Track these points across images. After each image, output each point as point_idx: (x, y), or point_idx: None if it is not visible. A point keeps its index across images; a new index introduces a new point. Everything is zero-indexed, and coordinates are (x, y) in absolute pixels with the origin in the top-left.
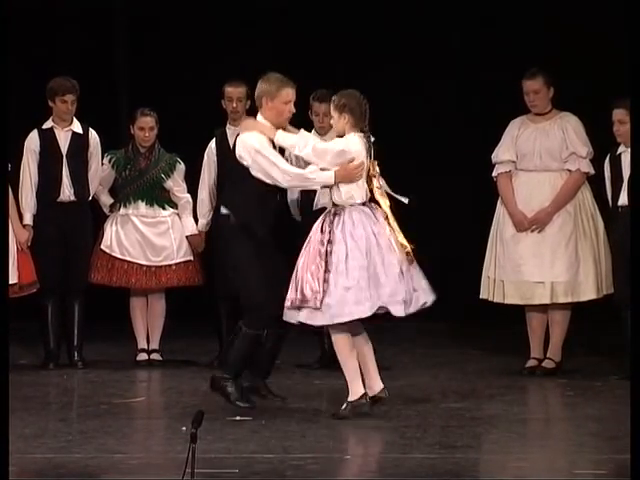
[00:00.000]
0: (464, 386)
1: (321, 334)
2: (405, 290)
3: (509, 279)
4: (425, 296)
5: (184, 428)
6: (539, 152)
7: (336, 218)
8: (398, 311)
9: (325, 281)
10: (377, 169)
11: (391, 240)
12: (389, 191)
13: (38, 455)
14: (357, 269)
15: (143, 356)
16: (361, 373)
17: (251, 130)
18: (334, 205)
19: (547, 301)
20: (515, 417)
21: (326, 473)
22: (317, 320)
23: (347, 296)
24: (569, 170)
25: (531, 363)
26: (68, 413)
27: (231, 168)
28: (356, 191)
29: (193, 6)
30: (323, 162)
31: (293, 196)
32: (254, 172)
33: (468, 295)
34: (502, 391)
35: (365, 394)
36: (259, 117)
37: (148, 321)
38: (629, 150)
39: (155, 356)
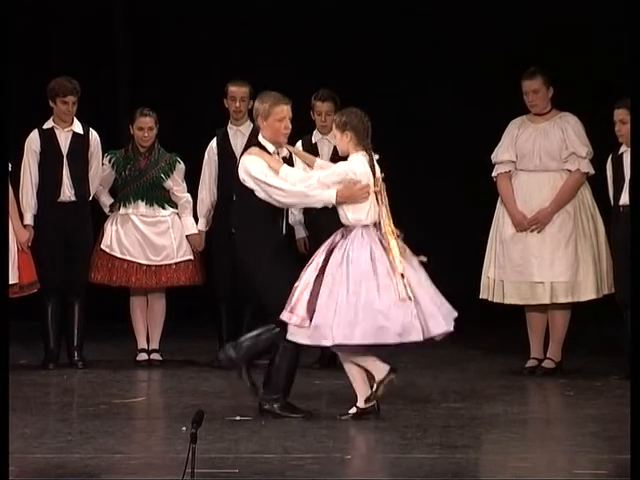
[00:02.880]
0: (464, 386)
1: None
2: (404, 315)
3: (509, 279)
4: (437, 325)
5: (184, 428)
6: (539, 152)
7: (341, 240)
8: (391, 339)
9: (314, 301)
10: (382, 185)
11: (390, 264)
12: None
13: (38, 455)
14: (345, 294)
15: (143, 356)
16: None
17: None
18: (343, 226)
19: (547, 301)
20: (515, 417)
21: (326, 473)
22: (301, 339)
23: (335, 319)
24: (569, 170)
25: (531, 363)
26: (68, 413)
27: (236, 187)
28: (364, 211)
29: (193, 6)
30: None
31: (295, 218)
32: (258, 194)
33: (468, 295)
34: (502, 391)
35: (373, 405)
36: (260, 137)
37: (148, 321)
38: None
39: (155, 356)
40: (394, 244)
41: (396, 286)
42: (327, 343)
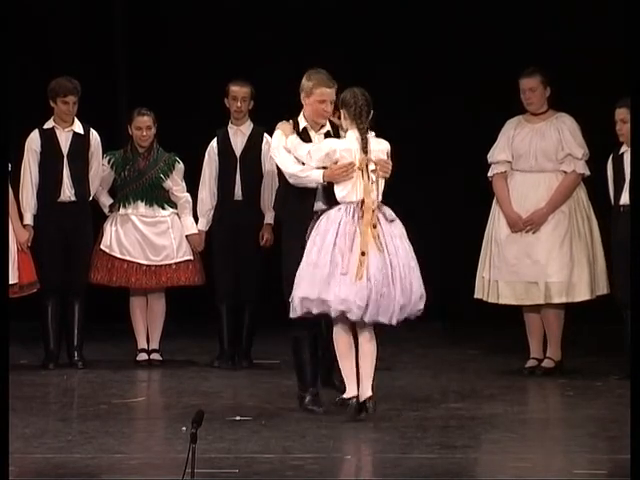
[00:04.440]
0: (464, 386)
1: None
2: (367, 295)
3: (504, 279)
4: (386, 311)
5: (184, 428)
6: (534, 153)
7: (321, 216)
8: (353, 315)
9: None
10: (371, 167)
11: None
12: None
13: (38, 455)
14: (309, 266)
15: (143, 356)
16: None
17: (278, 129)
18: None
19: (541, 301)
20: (515, 417)
21: (326, 473)
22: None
23: (297, 292)
24: (564, 171)
25: (531, 363)
26: (68, 413)
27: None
28: (349, 189)
29: (193, 6)
30: (315, 163)
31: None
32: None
33: (468, 295)
34: (502, 391)
35: (355, 397)
36: (301, 113)
37: (148, 321)
38: None
39: (155, 356)
40: (367, 221)
41: (348, 262)
42: (292, 315)
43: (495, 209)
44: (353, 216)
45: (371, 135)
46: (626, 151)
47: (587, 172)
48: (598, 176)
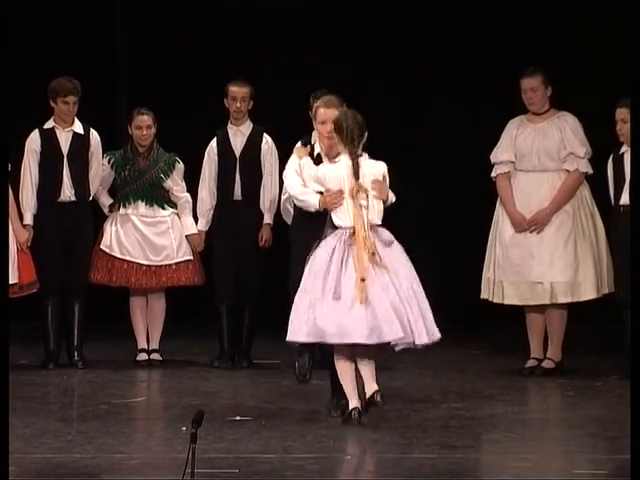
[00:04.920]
0: (464, 386)
1: None
2: (342, 316)
3: (508, 279)
4: (390, 332)
5: (184, 428)
6: (537, 152)
7: (320, 242)
8: (329, 338)
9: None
10: (361, 192)
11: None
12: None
13: (38, 455)
14: (302, 292)
15: (143, 356)
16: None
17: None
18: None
19: (546, 301)
20: (515, 417)
21: (326, 473)
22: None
23: (292, 316)
24: (567, 170)
25: (531, 363)
26: (68, 413)
27: None
28: (343, 215)
29: (193, 6)
30: (314, 187)
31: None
32: None
33: (468, 295)
34: (502, 391)
35: (356, 408)
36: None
37: (148, 321)
38: None
39: (155, 356)
40: (359, 246)
41: (341, 287)
42: (289, 339)
43: (499, 209)
44: (345, 242)
45: (364, 158)
46: (626, 151)
47: (590, 170)
48: (598, 176)
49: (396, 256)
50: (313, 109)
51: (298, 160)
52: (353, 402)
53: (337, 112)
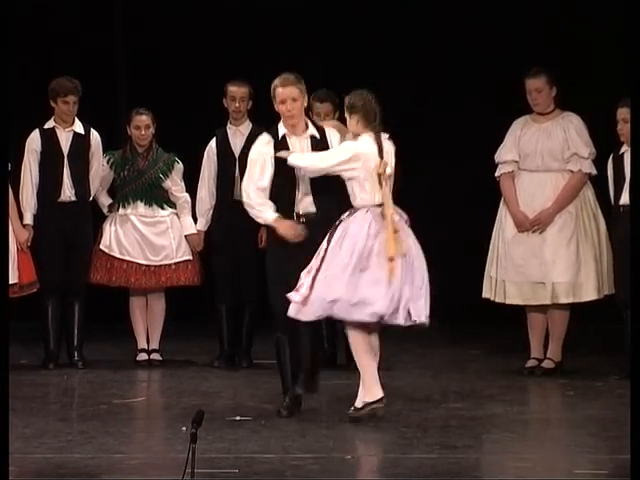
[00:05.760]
0: (464, 386)
1: (320, 334)
2: (384, 296)
3: (510, 279)
4: (416, 313)
5: (184, 428)
6: (541, 152)
7: (346, 219)
8: (368, 317)
9: (314, 278)
10: (387, 170)
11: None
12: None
13: (38, 455)
14: (340, 269)
15: (143, 356)
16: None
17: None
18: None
19: (548, 302)
20: (515, 417)
21: (326, 473)
22: (302, 315)
23: (325, 293)
24: (571, 171)
25: (531, 363)
26: (68, 413)
27: None
28: (372, 193)
29: (193, 6)
30: (336, 167)
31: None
32: None
33: (468, 295)
34: (502, 391)
35: (382, 398)
36: (281, 121)
37: (148, 321)
38: None
39: (155, 356)
40: (388, 225)
41: (381, 266)
42: (312, 317)
43: (502, 209)
44: (376, 219)
45: (384, 137)
46: (626, 151)
47: (593, 171)
48: (599, 176)
49: (409, 234)
50: (271, 89)
51: (259, 161)
52: (378, 392)
53: (295, 89)
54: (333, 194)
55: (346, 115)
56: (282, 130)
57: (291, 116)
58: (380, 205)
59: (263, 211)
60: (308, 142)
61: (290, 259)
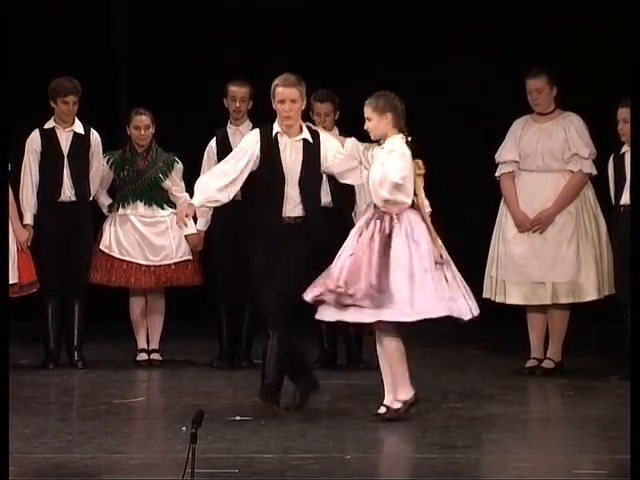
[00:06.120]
0: (464, 386)
1: (320, 334)
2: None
3: (511, 279)
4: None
5: (184, 428)
6: (541, 152)
7: (390, 221)
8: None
9: (410, 288)
10: (422, 168)
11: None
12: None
13: (38, 455)
14: (418, 271)
15: (143, 356)
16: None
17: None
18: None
19: (548, 302)
20: (515, 417)
21: (326, 473)
22: (365, 317)
23: (413, 295)
24: (571, 171)
25: (531, 363)
26: (68, 413)
27: None
28: (409, 195)
29: (193, 6)
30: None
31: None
32: None
33: None
34: (502, 391)
35: (415, 394)
36: (276, 120)
37: (148, 321)
38: None
39: (155, 356)
40: (430, 224)
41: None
42: (408, 319)
43: (503, 209)
44: (415, 218)
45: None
46: (627, 151)
47: (594, 171)
48: (599, 176)
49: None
50: (272, 88)
51: (238, 152)
52: (410, 391)
53: (295, 91)
54: (319, 199)
55: (371, 116)
56: (276, 129)
57: (288, 117)
58: (412, 204)
59: (195, 192)
60: (300, 145)
61: (274, 261)
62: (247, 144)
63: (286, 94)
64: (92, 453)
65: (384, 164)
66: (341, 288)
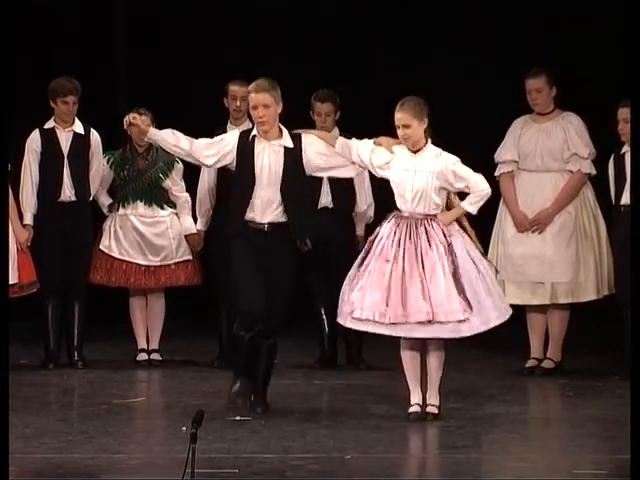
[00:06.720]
0: (464, 386)
1: (320, 334)
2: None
3: (510, 279)
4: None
5: (184, 428)
6: (541, 152)
7: (427, 227)
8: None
9: (466, 298)
10: None
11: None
12: None
13: (38, 455)
14: (476, 278)
15: (143, 356)
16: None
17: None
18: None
19: (547, 302)
20: (515, 417)
21: (326, 473)
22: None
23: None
24: (570, 171)
25: (531, 363)
26: (68, 413)
27: None
28: (443, 197)
29: (193, 6)
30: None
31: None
32: None
33: None
34: (502, 391)
35: (416, 404)
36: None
37: (148, 321)
38: None
39: (155, 356)
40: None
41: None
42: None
43: (502, 209)
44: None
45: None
46: (627, 151)
47: (593, 171)
48: (599, 176)
49: None
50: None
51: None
52: (415, 397)
53: (268, 96)
54: (305, 204)
55: (412, 123)
56: (254, 132)
57: (262, 122)
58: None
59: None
60: (281, 150)
61: (256, 263)
62: (229, 137)
63: (258, 99)
64: (92, 453)
65: (458, 173)
66: (430, 315)
